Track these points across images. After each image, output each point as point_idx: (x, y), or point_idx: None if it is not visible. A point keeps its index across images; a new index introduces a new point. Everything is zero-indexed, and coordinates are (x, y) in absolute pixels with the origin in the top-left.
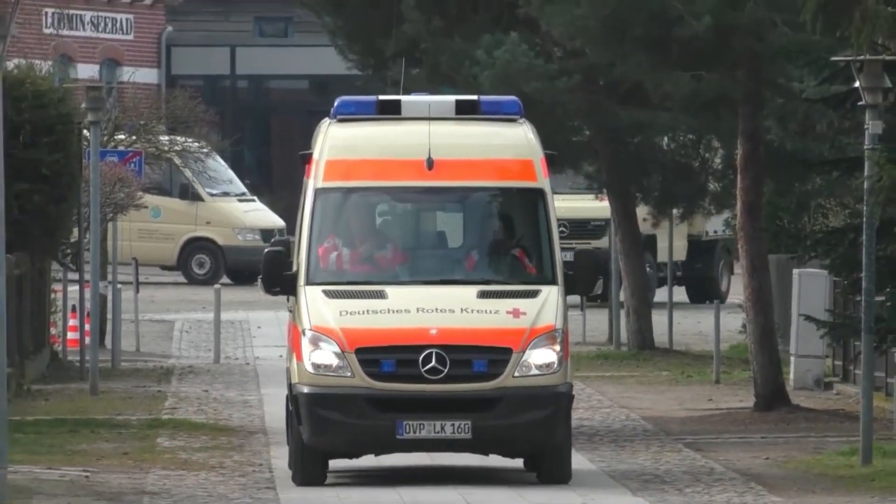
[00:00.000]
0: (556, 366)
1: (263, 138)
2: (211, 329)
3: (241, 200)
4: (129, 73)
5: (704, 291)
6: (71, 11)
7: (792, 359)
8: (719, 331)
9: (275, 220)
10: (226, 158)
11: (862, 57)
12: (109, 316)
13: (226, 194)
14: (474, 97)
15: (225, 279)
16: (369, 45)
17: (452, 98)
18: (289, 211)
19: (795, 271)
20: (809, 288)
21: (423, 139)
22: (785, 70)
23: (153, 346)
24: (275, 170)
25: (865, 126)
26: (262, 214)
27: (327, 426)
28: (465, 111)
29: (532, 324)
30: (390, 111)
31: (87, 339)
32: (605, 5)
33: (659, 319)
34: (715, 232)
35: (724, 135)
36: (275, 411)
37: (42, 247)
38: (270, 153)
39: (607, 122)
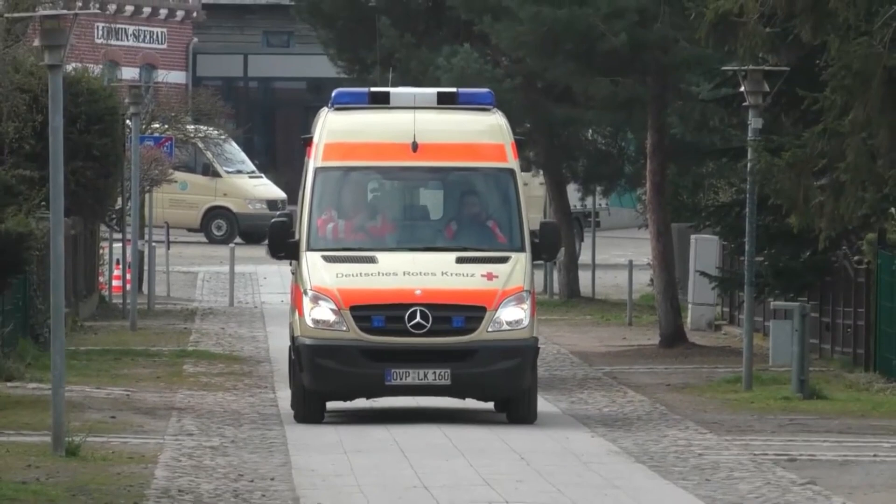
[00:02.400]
0: (524, 322)
1: (269, 128)
2: (227, 279)
3: (251, 177)
4: (162, 75)
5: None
6: (117, 25)
7: (689, 306)
8: (632, 283)
9: (278, 193)
10: (239, 143)
11: (746, 67)
12: (146, 268)
13: (239, 172)
14: (453, 90)
15: (238, 240)
16: (355, 54)
17: (434, 90)
18: (290, 185)
19: (692, 236)
20: (703, 250)
21: (409, 126)
22: (685, 77)
23: (181, 293)
24: (278, 153)
25: (748, 122)
26: (268, 188)
27: (325, 373)
28: (445, 102)
29: (503, 286)
30: (380, 101)
31: (128, 286)
32: (541, 24)
33: (584, 274)
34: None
35: (637, 128)
36: (277, 345)
37: (93, 212)
38: (275, 140)
39: (544, 117)
